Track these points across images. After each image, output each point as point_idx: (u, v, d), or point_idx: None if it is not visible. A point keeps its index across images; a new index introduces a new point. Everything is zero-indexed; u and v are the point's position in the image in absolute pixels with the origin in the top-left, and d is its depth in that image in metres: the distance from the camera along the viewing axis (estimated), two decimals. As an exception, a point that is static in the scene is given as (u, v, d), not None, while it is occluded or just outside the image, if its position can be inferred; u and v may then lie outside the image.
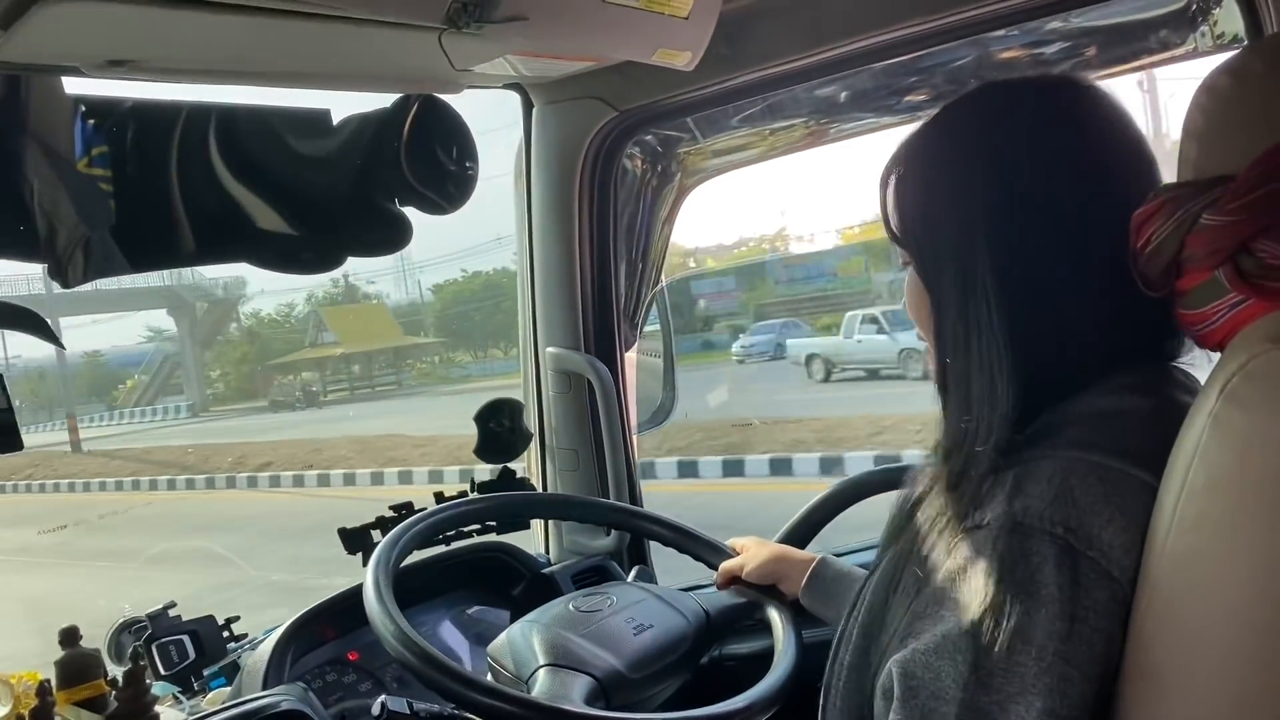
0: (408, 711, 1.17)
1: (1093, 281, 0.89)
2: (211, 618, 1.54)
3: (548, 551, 1.97)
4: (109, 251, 1.45)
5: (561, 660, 1.24)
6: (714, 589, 1.50)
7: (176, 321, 32.65)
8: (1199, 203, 0.78)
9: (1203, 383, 0.80)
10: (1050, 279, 0.90)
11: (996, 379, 0.89)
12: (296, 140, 1.62)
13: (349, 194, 1.64)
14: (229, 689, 1.48)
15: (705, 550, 1.56)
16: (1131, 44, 1.54)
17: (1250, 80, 0.79)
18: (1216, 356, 0.81)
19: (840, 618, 1.34)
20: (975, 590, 0.80)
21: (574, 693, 1.19)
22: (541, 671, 1.23)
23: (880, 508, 1.13)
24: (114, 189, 1.46)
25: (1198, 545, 0.74)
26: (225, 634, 1.55)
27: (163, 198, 1.52)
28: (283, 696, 1.33)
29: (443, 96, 1.61)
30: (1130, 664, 0.79)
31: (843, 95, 1.79)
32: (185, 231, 1.54)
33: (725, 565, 1.48)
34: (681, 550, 1.60)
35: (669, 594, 1.45)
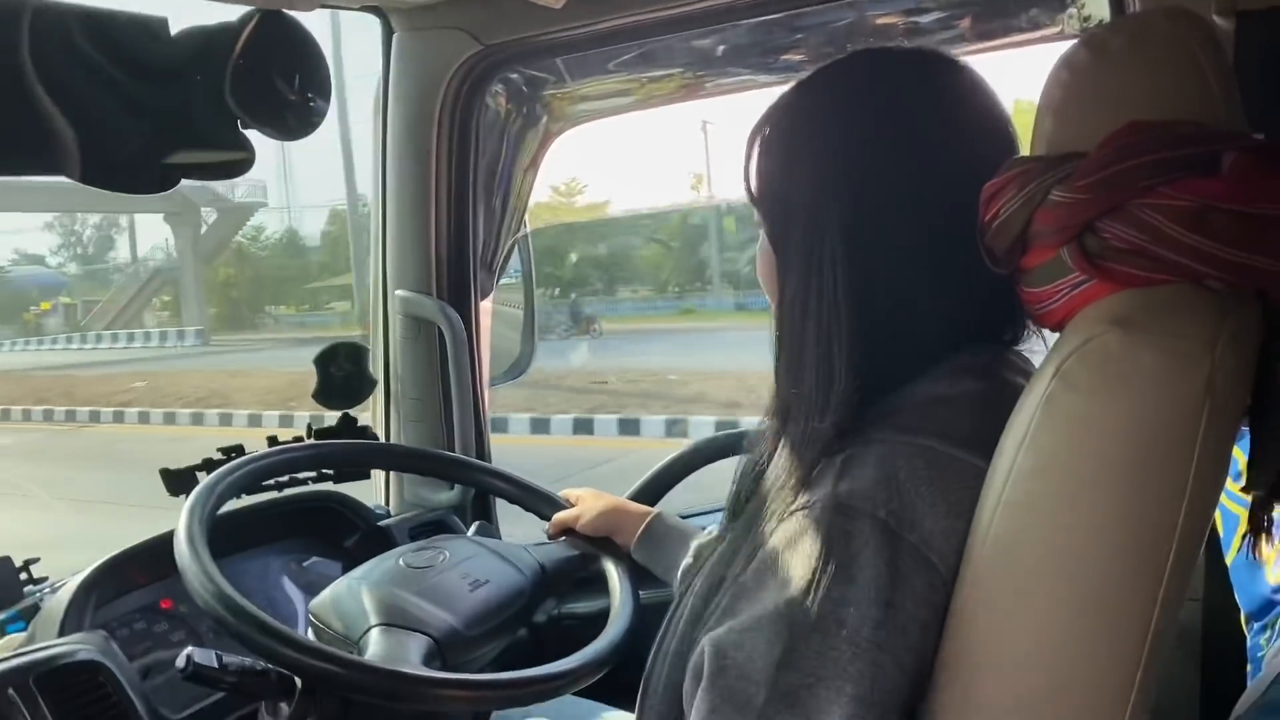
0: (215, 665, 1.10)
1: (939, 259, 0.88)
2: (8, 558, 1.43)
3: (388, 503, 1.91)
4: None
5: (396, 620, 1.18)
6: (549, 542, 1.46)
7: (175, 231, 29.32)
8: (1050, 177, 0.76)
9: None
10: (896, 253, 0.88)
11: (834, 351, 0.87)
12: (131, 48, 1.49)
13: (182, 112, 1.52)
14: (24, 634, 1.38)
15: (540, 502, 1.52)
16: (1004, 19, 1.54)
17: (1108, 57, 0.78)
18: (1054, 340, 0.81)
19: (670, 574, 1.33)
20: (795, 571, 0.79)
21: (411, 654, 1.14)
22: (374, 631, 1.17)
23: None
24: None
25: (1020, 527, 0.73)
26: (23, 576, 1.44)
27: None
28: (80, 645, 1.24)
29: (294, 14, 1.51)
30: (946, 650, 0.78)
31: (719, 49, 1.75)
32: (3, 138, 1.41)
33: (559, 516, 1.46)
34: (515, 502, 1.56)
35: (503, 547, 1.41)
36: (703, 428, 9.10)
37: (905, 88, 0.92)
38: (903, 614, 0.76)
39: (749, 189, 0.98)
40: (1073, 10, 1.44)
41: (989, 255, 0.83)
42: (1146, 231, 0.72)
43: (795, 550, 0.79)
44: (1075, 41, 0.80)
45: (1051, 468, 0.72)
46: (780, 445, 0.91)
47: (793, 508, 0.83)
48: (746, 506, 0.93)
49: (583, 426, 10.59)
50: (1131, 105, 0.75)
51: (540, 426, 10.62)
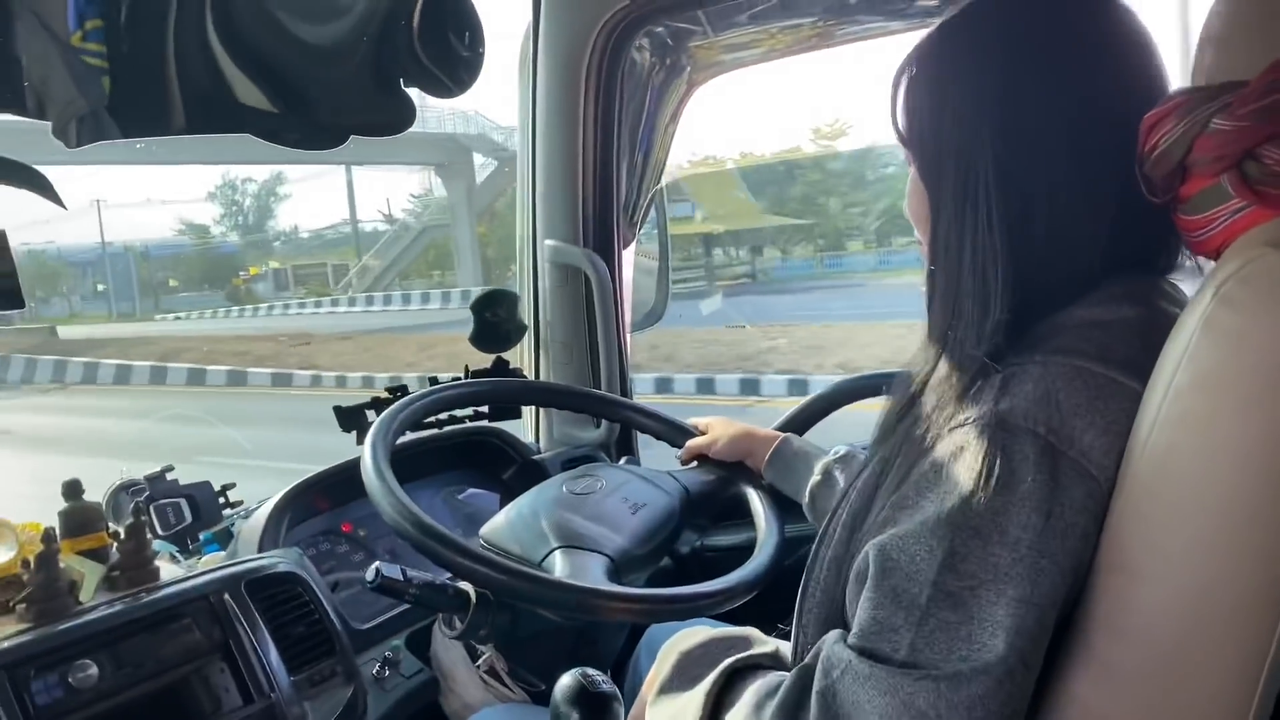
0: (401, 578, 1.20)
1: (1095, 190, 0.90)
2: (208, 483, 1.57)
3: (538, 441, 2.01)
4: (101, 120, 1.43)
5: (575, 542, 1.27)
6: (690, 470, 1.53)
7: (448, 185, 26.66)
8: (1210, 107, 0.79)
9: (1190, 296, 0.82)
10: (1050, 184, 0.90)
11: (990, 282, 0.90)
12: (302, 14, 1.60)
13: (355, 72, 1.62)
14: (223, 554, 1.52)
15: (674, 432, 1.60)
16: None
17: None
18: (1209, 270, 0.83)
19: (800, 493, 1.38)
20: (956, 481, 0.83)
21: (595, 571, 1.22)
22: (558, 553, 1.25)
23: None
24: (109, 68, 1.44)
25: (1177, 441, 0.76)
26: (221, 500, 1.59)
27: (158, 61, 1.50)
28: (279, 559, 1.37)
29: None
30: (1103, 556, 0.82)
31: (856, -5, 1.77)
32: (181, 96, 1.53)
33: (692, 443, 1.53)
34: (655, 435, 1.64)
35: (650, 474, 1.48)
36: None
37: (1052, 23, 0.93)
38: (1062, 521, 0.80)
39: (897, 128, 1.01)
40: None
41: (1147, 184, 0.86)
42: None
43: (956, 463, 0.84)
44: None
45: (1209, 384, 0.75)
46: (937, 369, 0.94)
47: (952, 423, 0.87)
48: (898, 426, 0.98)
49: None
50: (1294, 35, 0.76)
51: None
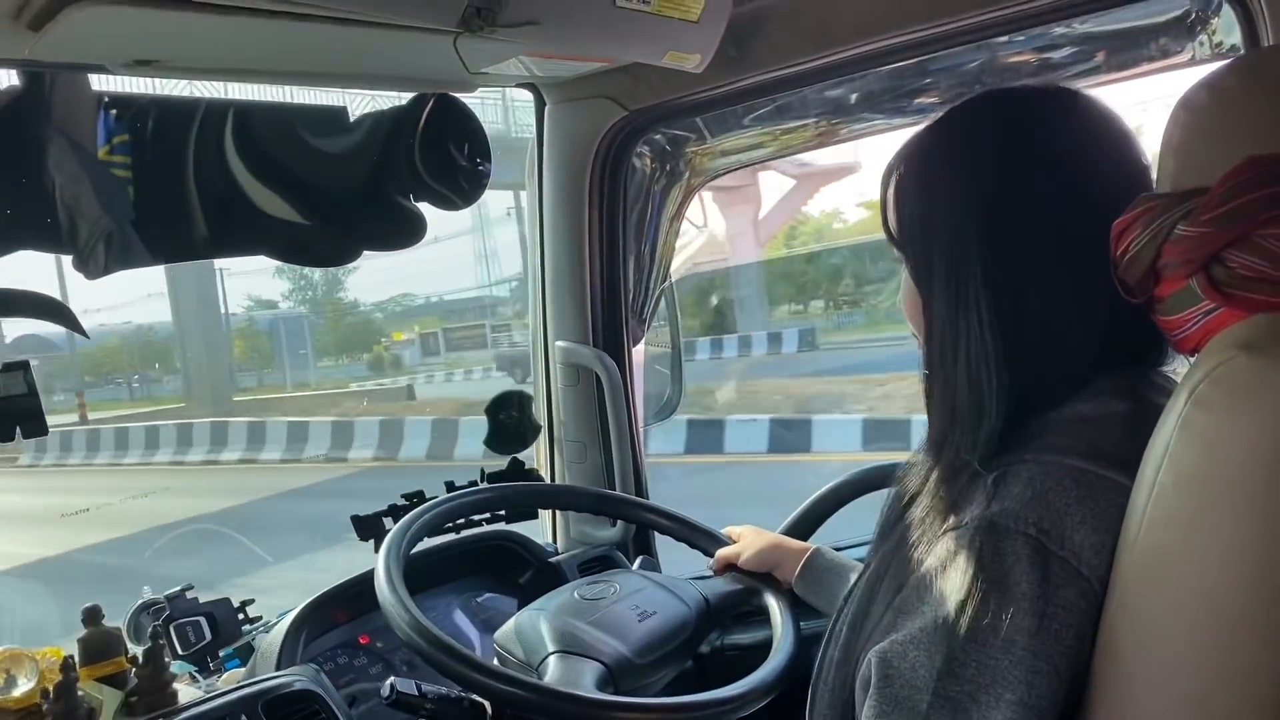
0: (416, 693, 1.21)
1: (1081, 286, 0.92)
2: (227, 600, 1.58)
3: (555, 541, 2.01)
4: (128, 243, 1.49)
5: (572, 647, 1.28)
6: (713, 577, 1.53)
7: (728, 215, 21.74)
8: (1174, 214, 0.81)
9: None
10: (1039, 283, 0.92)
11: (985, 390, 0.92)
12: (314, 136, 1.66)
13: (364, 189, 1.68)
14: (243, 670, 1.53)
15: (702, 539, 1.60)
16: (1134, 50, 1.56)
17: (1226, 96, 0.82)
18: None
19: (832, 607, 1.38)
20: (952, 586, 0.84)
21: (585, 679, 1.23)
22: (552, 659, 1.26)
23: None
24: (133, 178, 1.51)
25: (1165, 542, 0.77)
26: (240, 616, 1.60)
27: (181, 189, 1.56)
28: (296, 677, 1.37)
29: (457, 95, 1.66)
30: (1099, 657, 0.82)
31: (852, 97, 1.81)
32: (202, 223, 1.59)
33: (722, 552, 1.52)
34: (679, 539, 1.64)
35: (669, 581, 1.49)
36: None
37: (1033, 124, 0.96)
38: (1056, 622, 0.81)
39: (887, 228, 1.03)
40: (1203, 37, 1.45)
41: (1123, 286, 0.88)
42: (1270, 259, 0.76)
43: (951, 568, 0.85)
44: (1194, 84, 0.84)
45: (1189, 486, 0.76)
46: (933, 471, 0.96)
47: (946, 527, 0.88)
48: (895, 528, 0.98)
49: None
50: (1250, 141, 0.78)
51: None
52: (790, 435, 10.60)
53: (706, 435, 11.07)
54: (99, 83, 1.44)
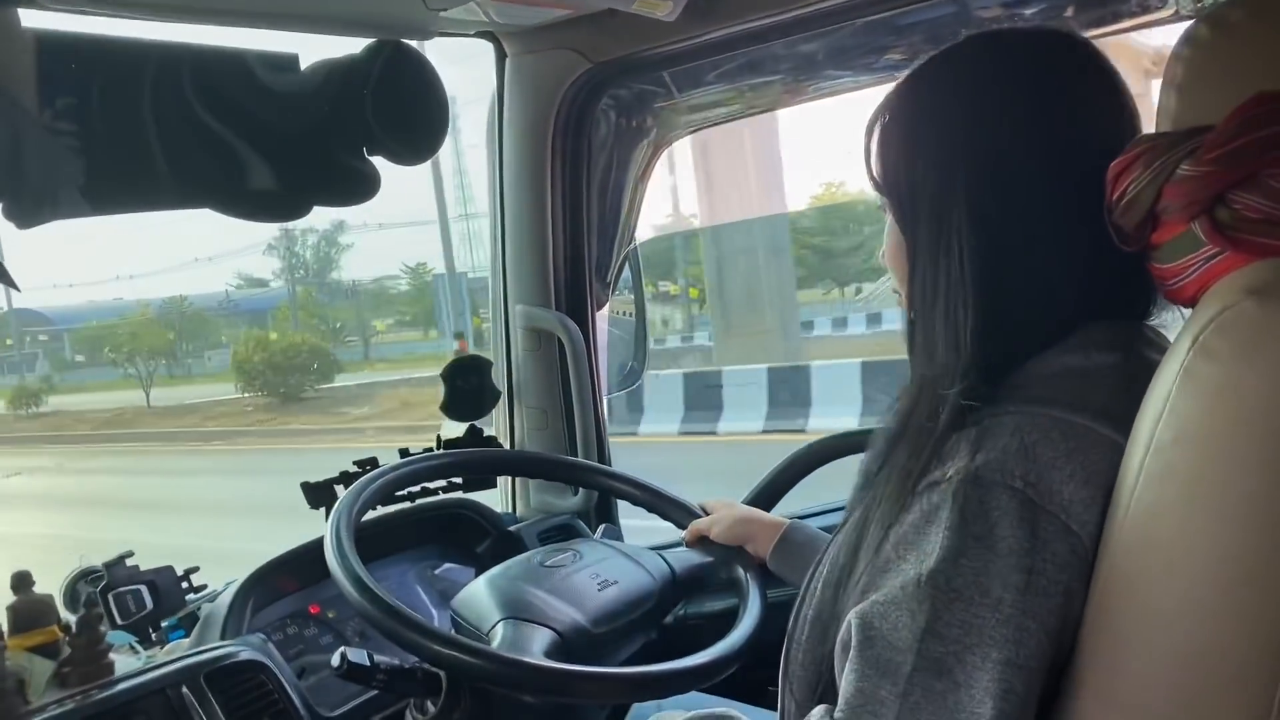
0: (368, 663, 1.16)
1: (1068, 236, 0.89)
2: (170, 568, 1.52)
3: (514, 510, 1.97)
4: (63, 192, 1.41)
5: (522, 613, 1.23)
6: (682, 548, 1.49)
7: None
8: (1177, 153, 0.77)
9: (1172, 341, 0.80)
10: (1025, 232, 0.89)
11: (961, 325, 0.89)
12: (263, 84, 1.58)
13: (315, 141, 1.60)
14: (187, 641, 1.46)
15: (674, 510, 1.55)
16: (1111, 4, 1.53)
17: (1231, 30, 0.78)
18: (1188, 315, 0.81)
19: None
20: (935, 542, 0.80)
21: (534, 645, 1.19)
22: (501, 624, 1.22)
23: (849, 471, 1.13)
24: (71, 125, 1.42)
25: (1162, 499, 0.74)
26: (184, 585, 1.54)
27: (124, 139, 1.48)
28: (241, 646, 1.32)
29: (414, 43, 1.58)
30: (1090, 619, 0.79)
31: (821, 53, 1.77)
32: (147, 174, 1.51)
33: (694, 525, 1.48)
34: (650, 510, 1.59)
35: (635, 551, 1.44)
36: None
37: (1024, 66, 0.93)
38: (1044, 579, 0.78)
39: (871, 176, 1.00)
40: (1189, -10, 1.42)
41: (1117, 233, 0.84)
42: (1277, 200, 0.72)
43: (935, 522, 0.81)
44: (1195, 20, 0.80)
45: (1192, 438, 0.72)
46: (913, 414, 0.92)
47: (929, 480, 0.84)
48: (878, 477, 0.95)
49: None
50: (1257, 77, 0.75)
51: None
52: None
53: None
54: (32, 19, 1.35)
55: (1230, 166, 0.74)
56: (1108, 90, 0.92)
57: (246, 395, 21.51)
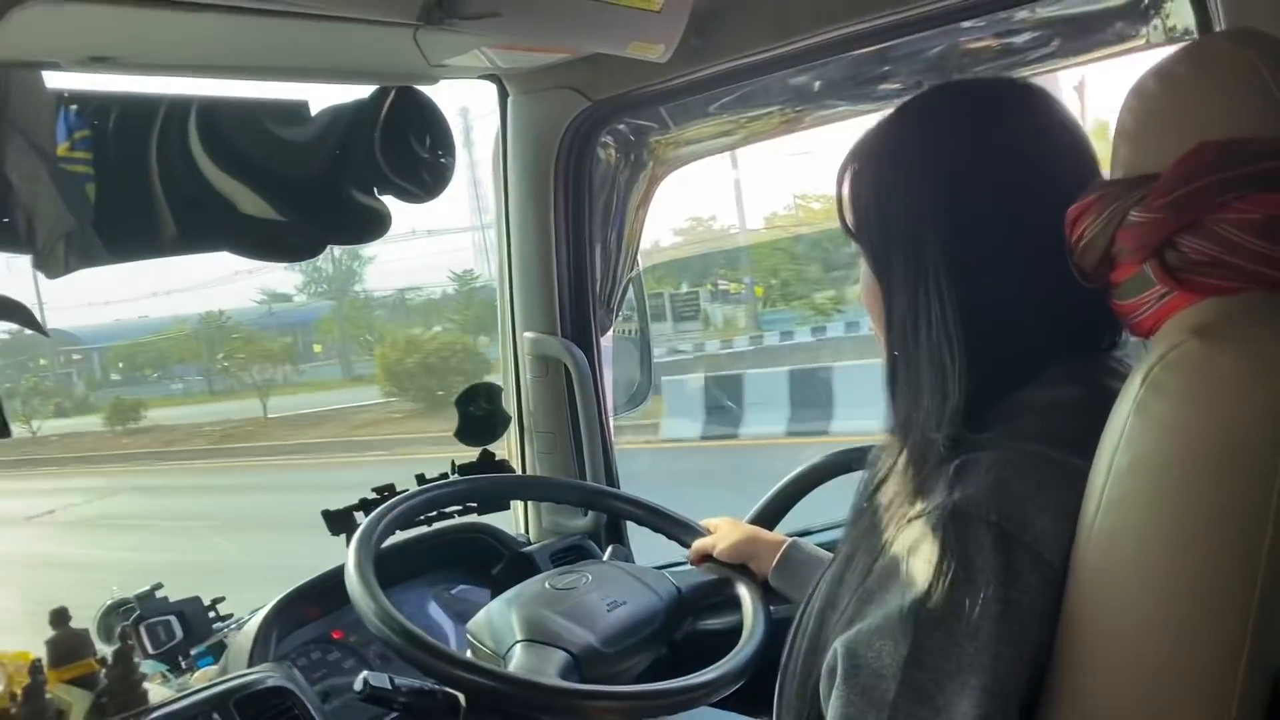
0: (389, 686, 1.21)
1: (1035, 274, 0.93)
2: (198, 598, 1.58)
3: (527, 532, 2.02)
4: (89, 242, 1.47)
5: (537, 636, 1.28)
6: (687, 567, 1.54)
7: None
8: (1128, 200, 0.82)
9: None
10: (995, 273, 0.94)
11: (948, 369, 0.93)
12: (275, 130, 1.65)
13: (327, 182, 1.67)
14: (216, 668, 1.52)
15: (678, 529, 1.61)
16: (1091, 35, 1.57)
17: (1176, 83, 0.83)
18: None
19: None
20: (916, 574, 0.84)
21: (549, 667, 1.24)
22: (518, 647, 1.27)
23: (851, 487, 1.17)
24: (95, 177, 1.49)
25: (1121, 523, 0.78)
26: (211, 614, 1.59)
27: (143, 187, 1.54)
28: (268, 674, 1.37)
29: (419, 87, 1.65)
30: (1061, 641, 0.83)
31: (816, 84, 1.81)
32: (166, 221, 1.57)
33: (698, 544, 1.53)
34: (655, 529, 1.64)
35: (642, 572, 1.49)
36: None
37: (984, 116, 0.98)
38: (1020, 608, 0.82)
39: (844, 221, 1.04)
40: (1157, 21, 1.47)
41: (1079, 271, 0.89)
42: (1221, 244, 0.77)
43: (916, 556, 0.85)
44: (1144, 72, 0.85)
45: (1145, 468, 0.77)
46: (900, 454, 0.96)
47: (910, 515, 0.89)
48: (864, 513, 0.99)
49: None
50: (1201, 126, 0.79)
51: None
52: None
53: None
54: (55, 79, 1.41)
55: (1176, 213, 0.79)
56: (1065, 134, 0.97)
57: (393, 400, 20.08)
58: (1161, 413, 0.76)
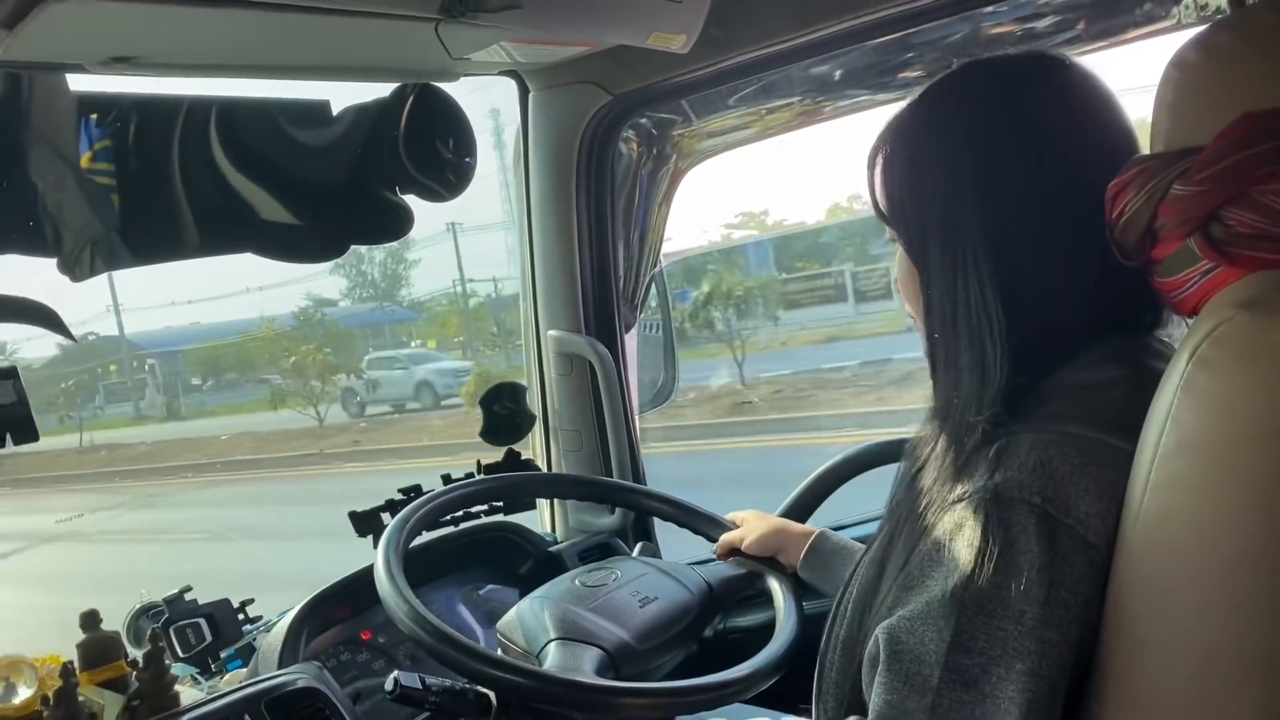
0: (420, 686, 1.20)
1: (1075, 254, 0.92)
2: (227, 601, 1.57)
3: (554, 530, 2.01)
4: (114, 247, 1.48)
5: (571, 634, 1.27)
6: (715, 562, 1.53)
7: None
8: (1170, 173, 0.80)
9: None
10: (1034, 253, 0.92)
11: (988, 352, 0.91)
12: (297, 131, 1.65)
13: (349, 183, 1.66)
14: (246, 670, 1.52)
15: (706, 524, 1.59)
16: (1118, 17, 1.55)
17: (1218, 53, 0.81)
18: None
19: (836, 590, 1.38)
20: (958, 559, 0.83)
21: (585, 664, 1.22)
22: (552, 645, 1.26)
23: (882, 481, 1.16)
24: (117, 184, 1.49)
25: (1170, 505, 0.77)
26: (240, 616, 1.59)
27: (166, 191, 1.55)
28: (298, 675, 1.37)
29: (440, 85, 1.64)
30: (1108, 624, 0.81)
31: (837, 73, 1.80)
32: (189, 224, 1.57)
33: (726, 537, 1.52)
34: (682, 525, 1.63)
35: (672, 567, 1.48)
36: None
37: (1019, 92, 0.96)
38: (1064, 590, 0.80)
39: (877, 207, 1.03)
40: (1188, 1, 1.44)
41: (1119, 249, 0.87)
42: (1268, 215, 0.76)
43: (958, 539, 0.84)
44: (1185, 42, 0.83)
45: (1194, 448, 0.75)
46: (939, 438, 0.95)
47: (951, 498, 0.87)
48: (904, 500, 0.98)
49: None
50: (1244, 97, 0.78)
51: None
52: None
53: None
54: (77, 82, 1.42)
55: (1221, 185, 0.77)
56: (1103, 109, 0.95)
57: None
58: (1210, 390, 0.74)
